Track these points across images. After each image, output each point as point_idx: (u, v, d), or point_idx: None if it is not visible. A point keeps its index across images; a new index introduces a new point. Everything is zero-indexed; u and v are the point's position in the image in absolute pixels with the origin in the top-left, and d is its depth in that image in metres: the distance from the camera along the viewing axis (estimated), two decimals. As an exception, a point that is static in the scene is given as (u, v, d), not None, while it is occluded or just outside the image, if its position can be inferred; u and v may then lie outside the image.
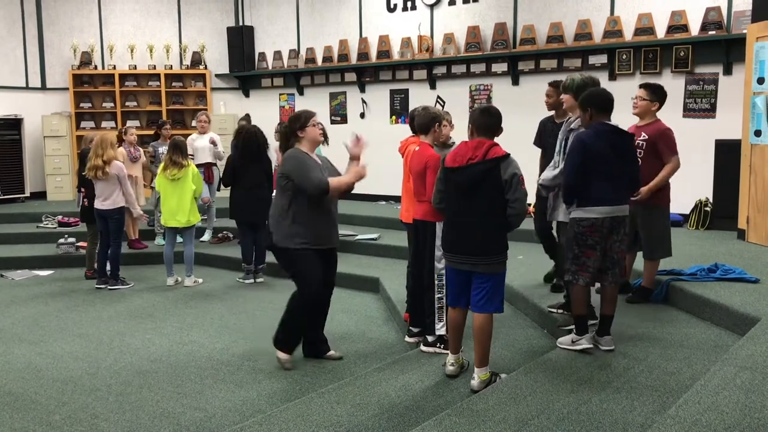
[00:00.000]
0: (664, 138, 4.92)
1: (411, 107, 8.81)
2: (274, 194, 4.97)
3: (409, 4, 10.44)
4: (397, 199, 10.23)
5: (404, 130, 5.69)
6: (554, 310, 4.94)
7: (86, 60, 11.88)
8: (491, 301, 3.86)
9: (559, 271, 5.40)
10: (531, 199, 4.42)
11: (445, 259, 4.11)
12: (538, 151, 5.65)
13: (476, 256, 3.82)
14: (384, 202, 10.58)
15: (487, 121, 3.91)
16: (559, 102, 5.50)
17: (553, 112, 5.57)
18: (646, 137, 4.95)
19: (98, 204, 7.10)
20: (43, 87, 11.97)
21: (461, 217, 3.89)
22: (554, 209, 4.71)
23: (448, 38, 9.93)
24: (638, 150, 4.89)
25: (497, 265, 3.86)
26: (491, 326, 3.89)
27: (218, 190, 9.08)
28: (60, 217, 9.83)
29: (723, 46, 7.83)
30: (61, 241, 8.55)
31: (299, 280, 4.68)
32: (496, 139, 3.92)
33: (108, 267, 7.33)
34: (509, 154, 3.82)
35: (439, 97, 10.13)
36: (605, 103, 4.12)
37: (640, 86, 5.18)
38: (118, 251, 7.30)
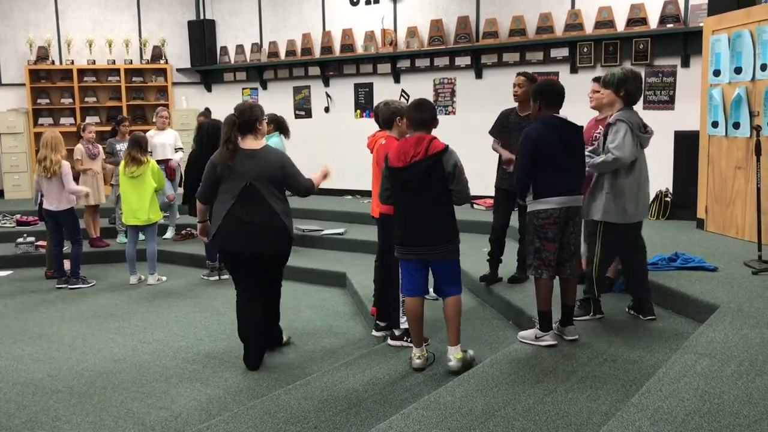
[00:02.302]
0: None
1: (376, 101, 8.81)
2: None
3: (372, -3, 10.42)
4: (362, 193, 10.25)
5: (369, 124, 5.68)
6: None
7: (43, 55, 11.59)
8: (454, 282, 4.08)
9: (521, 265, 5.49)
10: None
11: (397, 253, 4.15)
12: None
13: (430, 246, 3.98)
14: (350, 197, 10.56)
15: (420, 116, 4.02)
16: (528, 94, 5.49)
17: (516, 105, 5.57)
18: (601, 129, 4.96)
19: (48, 204, 6.96)
20: (-2, 83, 11.68)
21: (412, 212, 4.01)
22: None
23: (412, 32, 9.93)
24: (595, 142, 4.92)
25: (451, 253, 4.03)
26: (460, 305, 4.08)
27: (180, 186, 8.97)
28: (18, 216, 9.59)
29: (681, 39, 7.97)
30: (20, 240, 8.36)
31: (282, 272, 4.89)
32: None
33: (68, 266, 7.20)
34: (448, 146, 3.95)
35: (403, 90, 10.13)
36: (555, 97, 4.13)
37: (593, 80, 5.21)
38: (80, 250, 7.17)
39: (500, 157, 5.48)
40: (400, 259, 4.17)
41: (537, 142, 4.03)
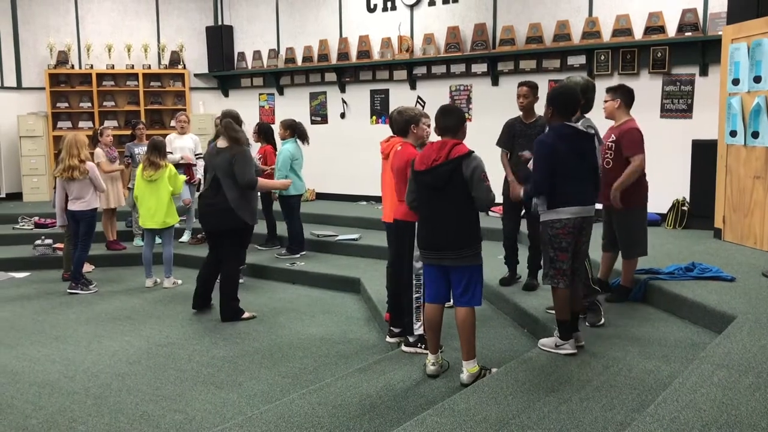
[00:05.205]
0: (627, 136, 4.88)
1: (391, 107, 8.82)
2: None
3: (389, 4, 10.44)
4: (377, 199, 10.25)
5: (384, 131, 5.68)
6: (552, 311, 4.93)
7: (63, 59, 11.73)
8: (471, 293, 3.97)
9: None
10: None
11: (421, 257, 4.15)
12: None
13: (451, 251, 3.93)
14: (365, 203, 10.57)
15: (447, 121, 4.02)
16: (533, 103, 5.58)
17: (521, 113, 5.61)
18: (615, 138, 4.96)
19: (73, 206, 7.01)
20: (19, 86, 11.79)
21: (433, 216, 4.00)
22: None
23: (428, 39, 9.94)
24: (609, 151, 4.93)
25: (472, 258, 3.96)
26: (474, 319, 4.00)
27: (198, 190, 9.01)
28: (36, 218, 9.69)
29: (699, 48, 7.91)
30: (38, 242, 8.44)
31: (241, 252, 6.26)
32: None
33: (86, 269, 7.24)
34: (472, 152, 3.92)
35: (419, 97, 10.14)
36: (569, 105, 4.15)
37: (606, 90, 5.20)
38: (84, 255, 7.15)
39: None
40: (424, 264, 4.18)
41: (552, 149, 4.03)
